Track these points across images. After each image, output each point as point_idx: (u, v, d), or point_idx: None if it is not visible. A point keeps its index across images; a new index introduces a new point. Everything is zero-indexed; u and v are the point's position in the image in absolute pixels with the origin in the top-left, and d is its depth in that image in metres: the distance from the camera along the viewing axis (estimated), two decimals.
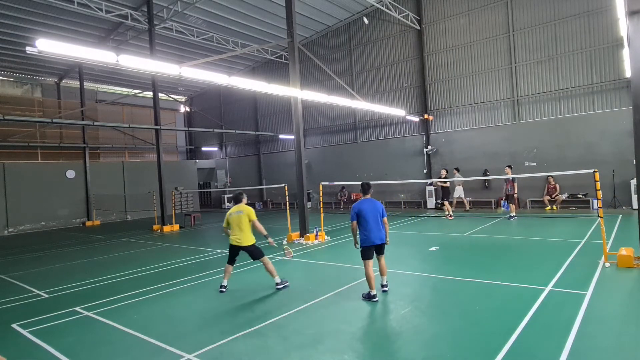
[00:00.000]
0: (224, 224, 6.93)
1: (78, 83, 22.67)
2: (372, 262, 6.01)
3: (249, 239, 6.73)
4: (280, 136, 24.63)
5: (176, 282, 7.76)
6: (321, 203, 12.86)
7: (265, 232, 6.73)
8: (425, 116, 18.74)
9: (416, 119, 19.00)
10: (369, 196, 6.24)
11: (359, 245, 6.07)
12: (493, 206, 16.61)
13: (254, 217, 6.73)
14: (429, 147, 18.78)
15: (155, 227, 17.06)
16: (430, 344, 4.38)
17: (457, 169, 16.01)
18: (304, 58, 18.28)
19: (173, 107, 29.51)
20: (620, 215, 12.72)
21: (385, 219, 6.12)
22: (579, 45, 15.10)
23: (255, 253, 6.82)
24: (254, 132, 25.09)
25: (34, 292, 7.66)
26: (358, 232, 6.05)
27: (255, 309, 5.90)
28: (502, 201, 15.22)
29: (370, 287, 5.87)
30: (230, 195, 7.31)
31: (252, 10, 18.51)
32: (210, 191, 29.29)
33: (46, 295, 7.36)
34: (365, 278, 5.99)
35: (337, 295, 6.27)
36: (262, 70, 25.45)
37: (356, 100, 15.27)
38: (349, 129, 22.03)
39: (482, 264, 7.82)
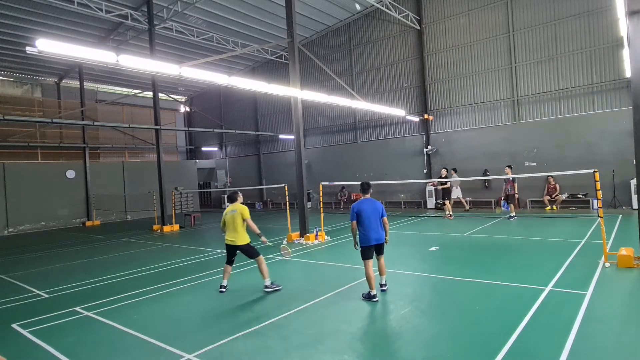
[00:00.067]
0: (221, 224, 6.92)
1: (78, 83, 22.67)
2: (372, 262, 6.01)
3: (242, 239, 6.67)
4: (280, 136, 24.63)
5: (176, 282, 7.76)
6: (321, 203, 12.86)
7: (258, 231, 6.68)
8: (425, 116, 18.74)
9: (416, 119, 19.00)
10: (368, 196, 6.24)
11: (358, 247, 6.07)
12: (493, 206, 16.61)
13: (247, 215, 6.67)
14: (429, 147, 18.78)
15: (155, 227, 17.07)
16: (430, 344, 4.38)
17: (455, 170, 16.02)
18: (304, 58, 18.28)
19: (173, 107, 29.52)
20: (620, 215, 12.72)
21: (385, 218, 6.12)
22: (579, 45, 15.10)
23: (250, 252, 6.76)
24: (254, 132, 25.09)
25: (34, 292, 7.66)
26: (357, 232, 6.05)
27: (255, 309, 5.90)
28: (502, 201, 15.21)
29: (370, 287, 5.87)
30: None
31: (252, 10, 18.51)
32: (210, 191, 29.29)
33: (46, 295, 7.36)
34: (365, 278, 5.99)
35: (337, 295, 6.27)
36: (262, 70, 25.46)
37: (356, 100, 15.27)
38: (349, 129, 22.03)
39: (482, 264, 7.82)
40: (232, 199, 6.92)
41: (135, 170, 24.32)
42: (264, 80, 13.06)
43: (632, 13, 6.32)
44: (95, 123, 18.57)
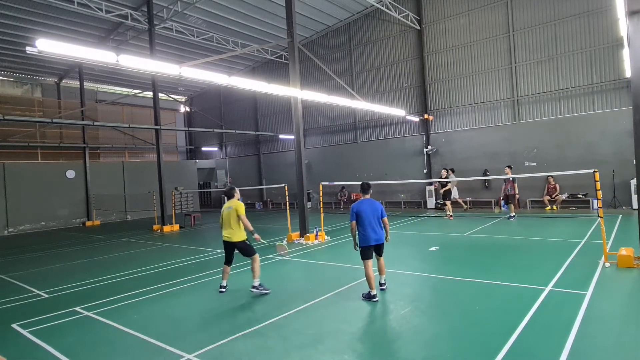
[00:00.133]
0: (219, 221, 6.88)
1: (78, 83, 22.67)
2: (371, 262, 6.01)
3: (238, 235, 6.59)
4: (280, 136, 24.64)
5: (176, 282, 7.76)
6: (321, 203, 12.86)
7: (251, 228, 6.57)
8: (425, 116, 18.74)
9: (416, 119, 19.00)
10: (368, 196, 6.24)
11: (358, 247, 6.07)
12: (492, 206, 16.60)
13: (242, 212, 6.57)
14: (429, 147, 18.77)
15: (155, 227, 17.07)
16: (430, 344, 4.38)
17: (452, 170, 16.00)
18: (304, 58, 18.28)
19: (173, 107, 29.52)
20: (620, 215, 12.72)
21: (385, 219, 6.12)
22: (579, 45, 15.10)
23: (245, 250, 6.68)
24: (254, 132, 25.10)
25: (34, 292, 7.66)
26: (357, 232, 6.05)
27: (255, 309, 5.90)
28: (502, 201, 15.21)
29: (370, 287, 5.87)
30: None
31: (252, 10, 18.51)
32: (210, 191, 29.30)
33: (46, 295, 7.36)
34: (365, 278, 5.99)
35: (337, 295, 6.27)
36: (262, 70, 25.46)
37: (356, 100, 15.27)
38: (349, 129, 22.03)
39: (482, 264, 7.82)
40: (229, 195, 6.86)
41: (135, 170, 24.32)
42: (264, 80, 13.06)
43: (632, 13, 6.32)
44: (95, 123, 18.56)
